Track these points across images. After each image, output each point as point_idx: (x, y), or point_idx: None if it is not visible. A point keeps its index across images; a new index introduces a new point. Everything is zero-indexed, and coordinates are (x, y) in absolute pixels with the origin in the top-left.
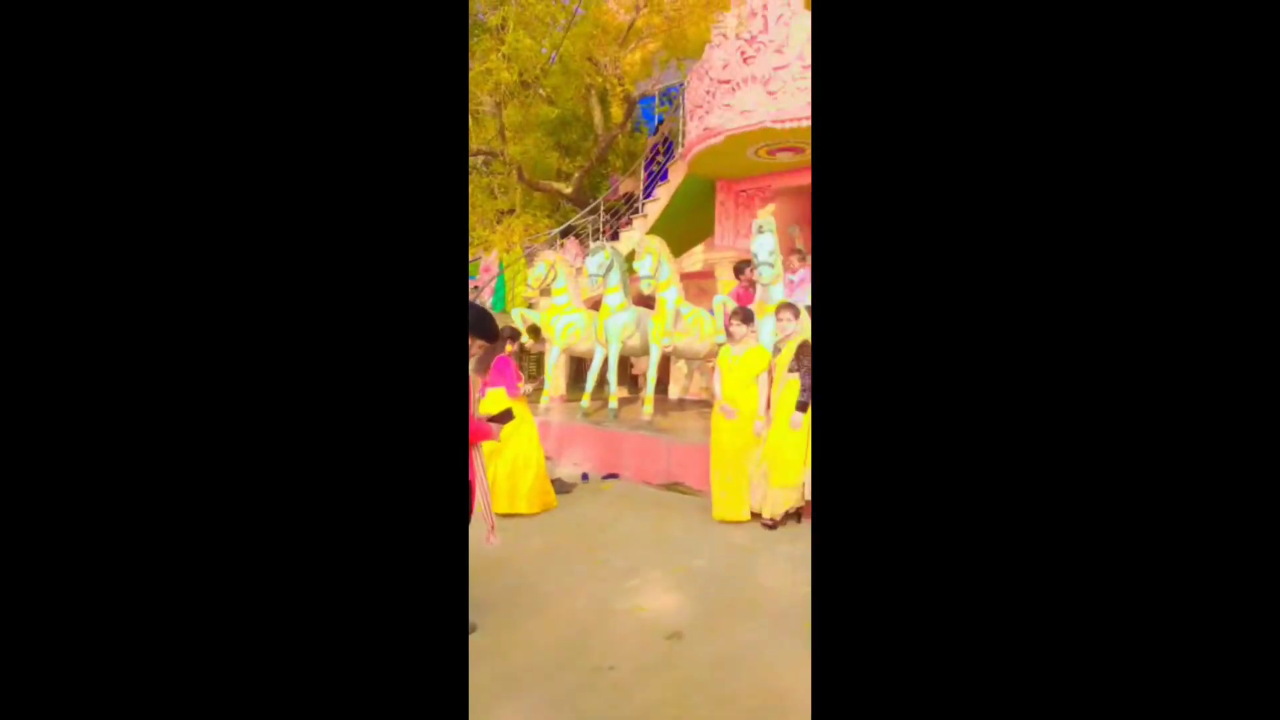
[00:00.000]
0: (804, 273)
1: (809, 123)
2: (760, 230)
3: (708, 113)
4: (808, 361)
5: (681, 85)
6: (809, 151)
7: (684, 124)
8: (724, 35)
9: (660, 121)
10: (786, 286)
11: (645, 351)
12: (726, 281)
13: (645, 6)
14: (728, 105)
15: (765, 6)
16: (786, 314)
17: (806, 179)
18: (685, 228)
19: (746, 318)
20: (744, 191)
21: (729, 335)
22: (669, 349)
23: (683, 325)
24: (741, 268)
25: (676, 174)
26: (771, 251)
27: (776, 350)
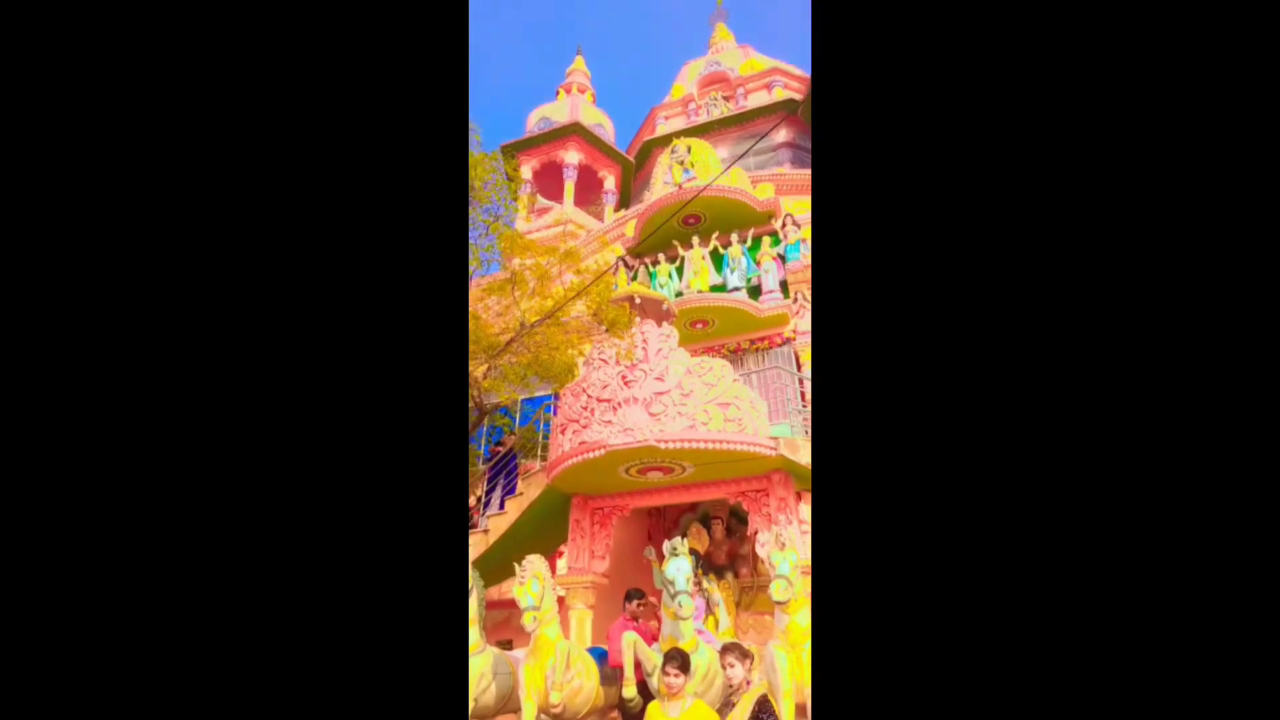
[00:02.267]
0: (700, 602)
1: (689, 445)
2: (674, 553)
3: (584, 427)
4: (769, 718)
5: (536, 400)
6: (678, 471)
7: (544, 438)
8: (604, 360)
9: (500, 436)
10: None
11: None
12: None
13: (523, 332)
14: (609, 421)
15: (645, 341)
16: (732, 657)
17: (664, 499)
18: (525, 547)
19: (683, 664)
20: (600, 509)
21: (665, 688)
22: (557, 711)
23: (570, 674)
24: (632, 596)
25: (531, 488)
26: (689, 579)
27: (729, 705)
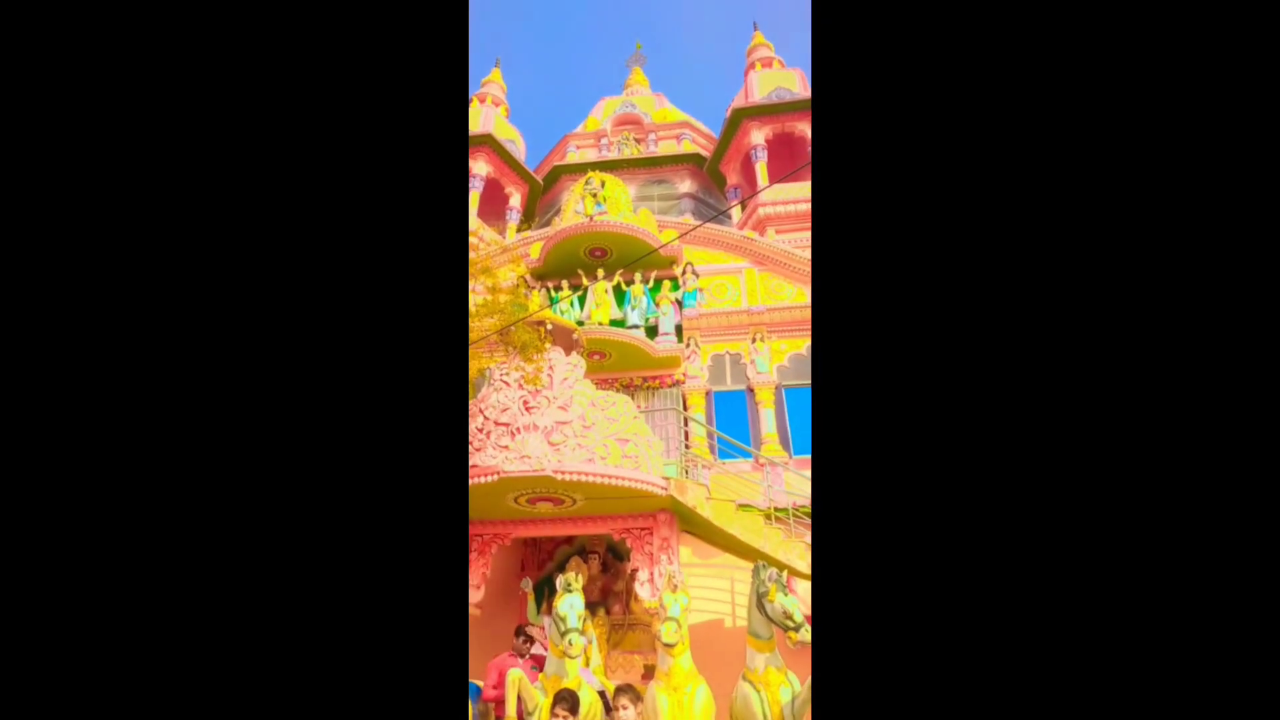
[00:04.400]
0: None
1: (586, 478)
2: (569, 588)
3: (477, 450)
4: None
5: None
6: (568, 503)
7: None
8: (505, 382)
9: None
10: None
11: None
12: None
13: None
14: (505, 446)
15: (551, 368)
16: (626, 699)
17: (548, 530)
18: None
19: (573, 706)
20: (480, 537)
21: None
22: None
23: None
24: (521, 633)
25: None
26: (581, 615)
27: None
